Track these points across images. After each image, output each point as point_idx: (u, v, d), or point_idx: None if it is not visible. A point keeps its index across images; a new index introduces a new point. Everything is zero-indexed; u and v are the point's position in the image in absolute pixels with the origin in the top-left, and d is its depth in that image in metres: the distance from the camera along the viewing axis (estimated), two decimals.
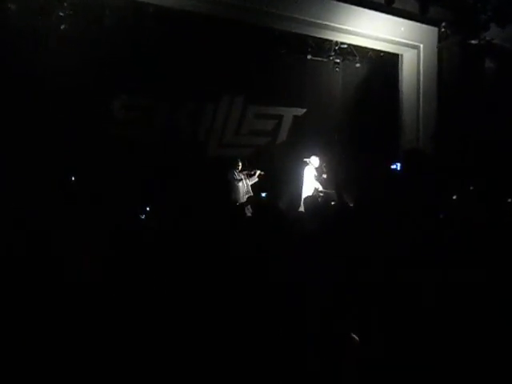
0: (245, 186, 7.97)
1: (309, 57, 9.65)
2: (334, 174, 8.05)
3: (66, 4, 7.23)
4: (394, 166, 8.06)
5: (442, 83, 9.64)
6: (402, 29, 8.89)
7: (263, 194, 7.88)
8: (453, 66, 9.58)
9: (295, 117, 9.95)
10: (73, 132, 7.10)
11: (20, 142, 6.67)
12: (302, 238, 3.72)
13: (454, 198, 4.85)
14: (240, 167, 8.06)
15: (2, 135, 6.47)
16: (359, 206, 3.89)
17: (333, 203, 5.56)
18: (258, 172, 8.13)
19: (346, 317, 2.74)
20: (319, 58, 9.83)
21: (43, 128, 6.87)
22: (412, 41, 9.37)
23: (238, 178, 7.96)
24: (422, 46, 9.53)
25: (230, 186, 7.93)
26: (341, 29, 8.55)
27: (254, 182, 8.12)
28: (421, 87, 9.67)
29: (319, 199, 7.31)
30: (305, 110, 9.98)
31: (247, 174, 8.09)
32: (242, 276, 2.95)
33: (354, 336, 2.65)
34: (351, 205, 4.34)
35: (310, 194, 7.74)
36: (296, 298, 2.77)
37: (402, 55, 9.87)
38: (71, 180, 7.24)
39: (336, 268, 2.79)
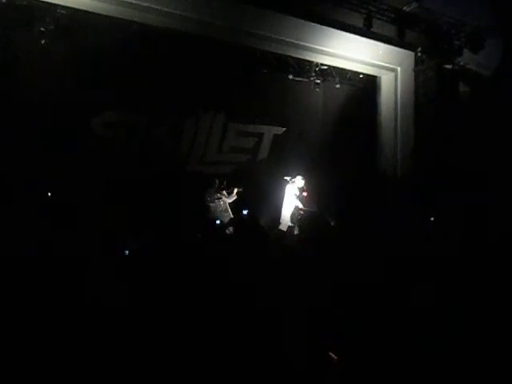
0: (222, 204, 7.95)
1: (290, 76, 9.83)
2: (314, 193, 8.13)
3: (48, 19, 7.19)
4: None
5: (418, 104, 9.94)
6: (380, 52, 9.16)
7: (245, 212, 7.88)
8: (429, 88, 9.89)
9: (276, 135, 10.05)
10: (52, 148, 6.99)
11: None
12: (284, 257, 3.74)
13: (432, 219, 4.97)
14: (217, 186, 8.03)
15: None
16: (341, 225, 3.95)
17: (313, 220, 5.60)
18: (236, 190, 8.12)
19: (325, 335, 2.75)
20: (300, 78, 10.00)
21: (22, 144, 6.74)
22: (390, 64, 9.67)
23: (215, 197, 7.94)
24: (399, 69, 9.84)
25: (207, 206, 7.92)
26: (321, 50, 8.77)
27: (232, 199, 8.11)
28: (398, 108, 9.96)
29: (299, 217, 7.37)
30: (285, 129, 10.10)
31: (227, 193, 8.07)
32: (222, 296, 2.94)
33: (332, 355, 2.66)
34: (332, 224, 4.40)
35: (291, 211, 7.78)
36: (276, 317, 2.78)
37: (380, 77, 10.17)
38: (48, 196, 7.11)
39: (318, 289, 2.81)
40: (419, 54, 9.77)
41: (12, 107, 6.75)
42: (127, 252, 4.18)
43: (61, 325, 2.64)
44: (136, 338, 2.60)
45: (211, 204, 7.90)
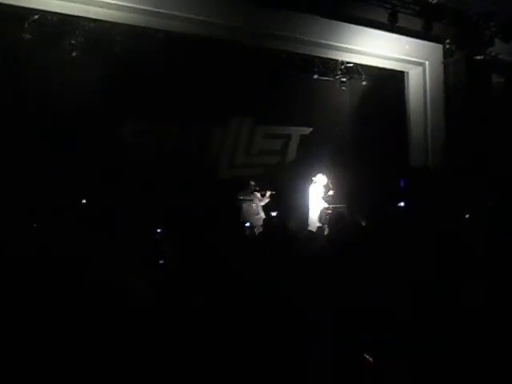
0: (255, 206, 7.95)
1: (315, 76, 9.77)
2: (343, 191, 8.05)
3: (77, 32, 7.44)
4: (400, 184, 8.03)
5: (448, 98, 9.68)
6: (407, 47, 8.98)
7: (273, 214, 7.89)
8: (459, 81, 9.62)
9: (303, 135, 10.02)
10: (84, 157, 7.22)
11: (32, 167, 6.79)
12: (314, 258, 3.73)
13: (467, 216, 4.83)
14: (252, 188, 8.05)
15: (16, 161, 6.61)
16: (372, 225, 3.91)
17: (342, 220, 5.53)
18: (269, 193, 8.12)
19: (360, 338, 2.73)
20: (325, 78, 9.94)
21: (55, 153, 7.00)
22: (417, 58, 9.45)
23: (248, 198, 7.97)
24: (427, 62, 9.60)
25: (240, 208, 7.94)
26: (346, 48, 8.68)
27: (265, 202, 8.11)
28: (428, 102, 9.71)
29: (327, 217, 7.31)
30: (312, 129, 10.05)
31: (260, 195, 8.07)
32: (253, 298, 2.96)
33: (368, 357, 2.64)
34: (363, 223, 4.35)
35: (317, 212, 7.72)
36: (308, 321, 2.77)
37: (407, 72, 9.95)
38: (82, 204, 7.33)
39: (349, 290, 2.79)
40: (448, 46, 9.51)
41: (45, 117, 7.01)
42: (158, 254, 4.27)
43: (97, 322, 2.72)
44: (162, 339, 2.65)
45: (244, 205, 7.91)
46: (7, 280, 2.99)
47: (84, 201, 7.39)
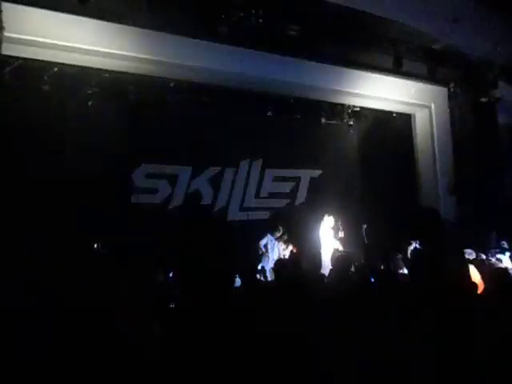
0: (278, 252, 7.84)
1: (323, 120, 9.98)
2: (353, 233, 8.01)
3: (93, 82, 7.77)
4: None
5: (456, 140, 9.78)
6: (413, 90, 9.19)
7: (286, 257, 7.82)
8: (465, 123, 9.75)
9: (312, 178, 10.11)
10: (96, 202, 7.33)
11: (44, 211, 6.89)
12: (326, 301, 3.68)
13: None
14: (280, 233, 8.00)
15: (29, 203, 6.73)
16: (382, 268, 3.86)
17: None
18: (292, 247, 7.92)
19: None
20: (333, 121, 10.14)
21: (68, 197, 7.12)
22: (423, 101, 9.65)
23: (273, 243, 7.90)
24: (433, 105, 9.78)
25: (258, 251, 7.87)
26: (352, 93, 8.90)
27: (286, 252, 8.01)
28: (435, 144, 9.80)
29: (338, 260, 7.21)
30: (321, 172, 10.15)
31: (284, 243, 7.98)
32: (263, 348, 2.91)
33: None
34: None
35: (330, 253, 7.66)
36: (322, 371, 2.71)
37: (414, 115, 10.13)
38: (95, 248, 7.36)
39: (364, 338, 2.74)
40: (452, 90, 9.73)
41: (63, 164, 7.21)
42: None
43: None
44: None
45: (265, 247, 7.82)
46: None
47: (96, 245, 7.43)
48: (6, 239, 5.92)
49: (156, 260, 6.40)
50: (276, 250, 7.85)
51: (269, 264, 7.62)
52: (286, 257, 7.81)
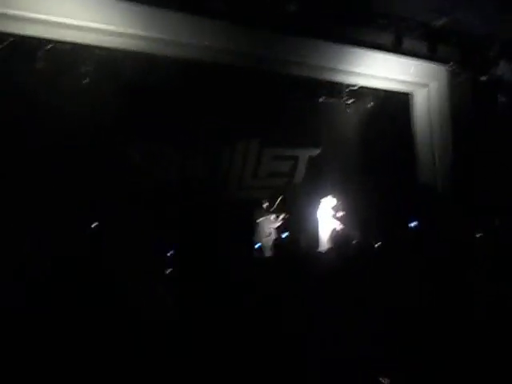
0: (267, 228, 7.94)
1: (321, 99, 9.88)
2: (351, 213, 8.03)
3: (88, 61, 7.65)
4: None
5: (455, 119, 9.71)
6: (412, 69, 9.09)
7: (284, 235, 7.87)
8: (465, 102, 9.69)
9: (311, 157, 10.07)
10: (91, 181, 7.31)
11: (39, 192, 6.87)
12: (322, 278, 3.70)
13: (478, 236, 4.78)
14: (265, 210, 8.03)
15: (23, 185, 6.70)
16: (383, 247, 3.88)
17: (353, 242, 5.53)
18: (283, 215, 8.10)
19: (374, 360, 2.68)
20: (331, 100, 10.05)
21: (63, 177, 7.10)
22: (422, 80, 9.55)
23: (261, 220, 7.96)
24: (432, 84, 9.69)
25: (254, 228, 7.93)
26: (351, 72, 8.81)
27: (278, 224, 8.09)
28: (434, 123, 9.76)
29: (337, 238, 7.27)
30: (320, 151, 10.11)
31: (275, 217, 8.07)
32: (261, 320, 2.94)
33: (383, 380, 2.59)
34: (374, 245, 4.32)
35: (328, 233, 7.70)
36: (318, 342, 2.74)
37: (412, 94, 10.04)
38: (92, 228, 7.37)
39: (358, 312, 2.76)
40: (452, 68, 9.62)
41: (56, 141, 7.14)
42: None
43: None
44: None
45: (257, 226, 7.89)
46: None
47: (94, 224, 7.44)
48: (12, 225, 5.94)
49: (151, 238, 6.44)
50: (265, 226, 7.90)
51: (262, 241, 7.68)
52: (275, 228, 7.92)
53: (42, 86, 7.26)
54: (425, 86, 9.73)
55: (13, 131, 6.68)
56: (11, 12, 5.86)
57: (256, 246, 7.51)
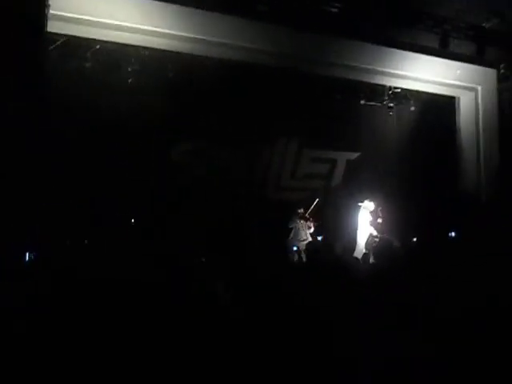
0: (303, 233, 7.90)
1: (362, 101, 9.75)
2: (392, 219, 7.86)
3: (133, 60, 7.89)
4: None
5: (503, 125, 9.31)
6: (458, 72, 8.79)
7: (319, 238, 7.82)
8: None
9: (349, 160, 9.96)
10: (134, 177, 7.53)
11: (85, 185, 7.15)
12: (357, 283, 3.66)
13: None
14: (300, 214, 8.01)
15: (71, 180, 6.99)
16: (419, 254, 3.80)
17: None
18: (313, 223, 8.01)
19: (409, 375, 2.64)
20: (372, 103, 9.89)
21: (108, 171, 7.36)
22: (469, 83, 9.22)
23: (298, 224, 7.93)
24: (479, 88, 9.34)
25: (290, 230, 7.93)
26: (394, 74, 8.62)
27: (312, 230, 8.03)
28: (480, 129, 9.39)
29: (374, 245, 7.14)
30: (359, 154, 9.97)
31: (310, 222, 8.01)
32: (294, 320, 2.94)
33: None
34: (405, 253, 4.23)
35: (365, 238, 7.57)
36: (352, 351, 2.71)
37: (458, 98, 9.71)
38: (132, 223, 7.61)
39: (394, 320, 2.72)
40: (502, 71, 9.23)
41: (103, 139, 7.41)
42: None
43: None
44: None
45: (293, 226, 7.89)
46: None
47: (133, 220, 7.67)
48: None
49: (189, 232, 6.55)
50: (301, 230, 7.86)
51: (298, 244, 7.65)
52: (309, 235, 7.87)
53: (90, 84, 7.56)
54: (472, 89, 9.39)
55: (60, 124, 6.95)
56: (62, 14, 6.11)
57: (293, 249, 7.50)
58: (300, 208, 8.05)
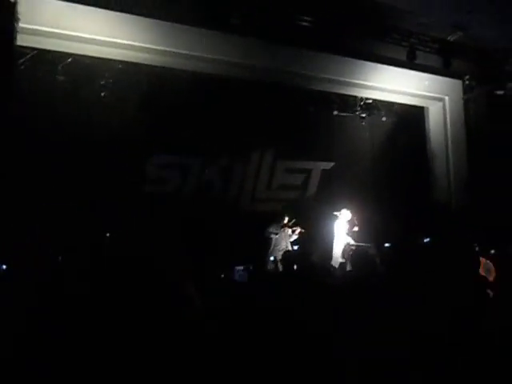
0: (284, 242, 7.91)
1: (335, 112, 9.93)
2: (367, 227, 7.98)
3: (107, 74, 7.84)
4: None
5: (470, 133, 9.66)
6: (426, 83, 9.09)
7: (295, 247, 7.85)
8: (480, 116, 9.62)
9: (324, 170, 10.09)
10: (107, 191, 7.42)
11: (55, 199, 7.01)
12: (335, 289, 3.71)
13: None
14: (285, 222, 8.05)
15: (39, 193, 6.85)
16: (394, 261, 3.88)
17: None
18: (299, 229, 8.11)
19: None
20: (345, 113, 10.08)
21: (79, 185, 7.23)
22: (437, 94, 9.54)
23: (278, 232, 7.95)
24: (447, 98, 9.67)
25: (268, 241, 7.93)
26: (365, 85, 8.84)
27: (293, 238, 8.08)
28: (449, 137, 9.71)
29: (350, 253, 7.22)
30: (333, 164, 10.12)
31: (292, 231, 8.05)
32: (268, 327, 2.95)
33: None
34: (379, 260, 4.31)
35: (341, 247, 7.65)
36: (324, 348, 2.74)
37: (427, 108, 10.02)
38: (104, 237, 7.47)
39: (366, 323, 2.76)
40: (467, 82, 9.60)
41: (75, 151, 7.31)
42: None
43: None
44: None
45: (273, 236, 7.89)
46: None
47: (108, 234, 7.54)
48: (20, 232, 6.05)
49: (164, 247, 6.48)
50: (282, 240, 7.88)
51: (276, 254, 7.65)
52: (291, 242, 7.90)
53: (62, 97, 7.47)
54: (440, 99, 9.71)
55: (30, 139, 6.82)
56: (34, 27, 6.05)
57: (271, 259, 7.51)
58: (279, 217, 8.08)
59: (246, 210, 9.21)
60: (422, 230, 8.35)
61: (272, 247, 7.85)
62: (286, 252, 6.38)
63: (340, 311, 3.14)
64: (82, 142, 7.37)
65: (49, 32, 6.21)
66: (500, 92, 9.36)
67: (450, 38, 8.66)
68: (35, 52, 6.95)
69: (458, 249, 5.32)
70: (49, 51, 6.93)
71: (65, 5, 6.07)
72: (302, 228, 8.04)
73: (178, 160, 8.70)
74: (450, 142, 9.62)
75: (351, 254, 6.88)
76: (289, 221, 8.01)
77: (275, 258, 7.52)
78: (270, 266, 7.49)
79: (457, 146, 9.60)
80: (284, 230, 7.94)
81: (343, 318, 3.04)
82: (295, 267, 4.63)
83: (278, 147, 9.48)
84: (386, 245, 7.33)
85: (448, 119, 9.66)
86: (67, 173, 7.18)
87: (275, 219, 8.08)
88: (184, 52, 7.17)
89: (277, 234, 7.92)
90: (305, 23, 7.52)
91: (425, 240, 7.77)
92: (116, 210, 7.39)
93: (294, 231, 8.01)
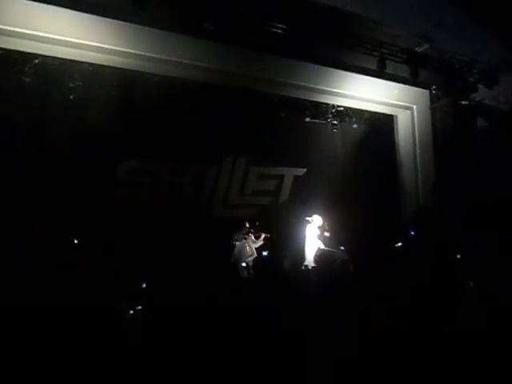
0: (248, 249, 7.92)
1: (307, 119, 10.04)
2: (337, 232, 8.06)
3: (76, 76, 7.68)
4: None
5: (436, 141, 9.97)
6: (396, 92, 9.33)
7: (265, 253, 7.86)
8: (446, 125, 9.95)
9: (296, 176, 10.16)
10: (77, 196, 7.24)
11: (25, 204, 6.79)
12: (307, 294, 3.72)
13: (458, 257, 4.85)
14: (246, 229, 8.04)
15: (9, 198, 6.62)
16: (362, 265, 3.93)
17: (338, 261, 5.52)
18: (264, 235, 8.12)
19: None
20: (317, 120, 10.21)
21: (48, 192, 7.02)
22: (405, 102, 9.81)
23: (242, 239, 7.95)
24: (415, 107, 9.96)
25: (232, 249, 7.92)
26: (337, 93, 8.99)
27: (259, 244, 8.09)
28: (417, 144, 10.02)
29: (315, 257, 7.27)
30: (305, 170, 10.21)
31: (255, 237, 8.07)
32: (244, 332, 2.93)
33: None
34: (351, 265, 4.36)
35: (313, 252, 7.69)
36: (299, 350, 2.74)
37: (396, 116, 10.30)
38: (74, 242, 7.28)
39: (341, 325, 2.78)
40: (434, 92, 9.91)
41: (43, 156, 7.09)
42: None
43: None
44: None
45: (237, 243, 7.88)
46: None
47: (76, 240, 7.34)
48: None
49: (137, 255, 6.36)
50: (246, 246, 7.89)
51: (246, 260, 7.65)
52: (256, 248, 7.91)
53: (29, 99, 7.25)
54: (408, 108, 10.00)
55: None
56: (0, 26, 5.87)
57: (243, 265, 7.48)
58: (247, 223, 8.08)
59: (218, 216, 9.16)
60: (392, 234, 8.51)
61: (237, 254, 7.84)
62: (257, 258, 6.38)
63: (308, 313, 3.16)
64: (50, 145, 7.17)
65: (15, 32, 6.03)
66: (465, 102, 9.71)
67: (418, 50, 8.92)
68: (0, 52, 6.74)
69: (428, 252, 5.44)
70: (15, 51, 6.72)
71: (32, 4, 5.90)
72: (266, 234, 8.08)
73: (149, 165, 8.57)
74: (417, 149, 9.92)
75: (316, 257, 6.93)
76: (251, 227, 8.03)
77: (247, 263, 7.51)
78: (243, 272, 7.46)
79: (424, 152, 9.90)
80: (247, 237, 7.95)
81: (312, 319, 3.06)
82: (267, 272, 4.62)
83: (250, 153, 9.50)
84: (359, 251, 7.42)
85: (416, 127, 9.96)
86: (34, 178, 6.96)
87: (238, 227, 8.08)
88: (155, 56, 7.09)
89: (239, 240, 7.92)
90: (278, 30, 7.57)
91: (395, 245, 7.90)
92: (86, 215, 7.21)
93: (257, 237, 8.04)
